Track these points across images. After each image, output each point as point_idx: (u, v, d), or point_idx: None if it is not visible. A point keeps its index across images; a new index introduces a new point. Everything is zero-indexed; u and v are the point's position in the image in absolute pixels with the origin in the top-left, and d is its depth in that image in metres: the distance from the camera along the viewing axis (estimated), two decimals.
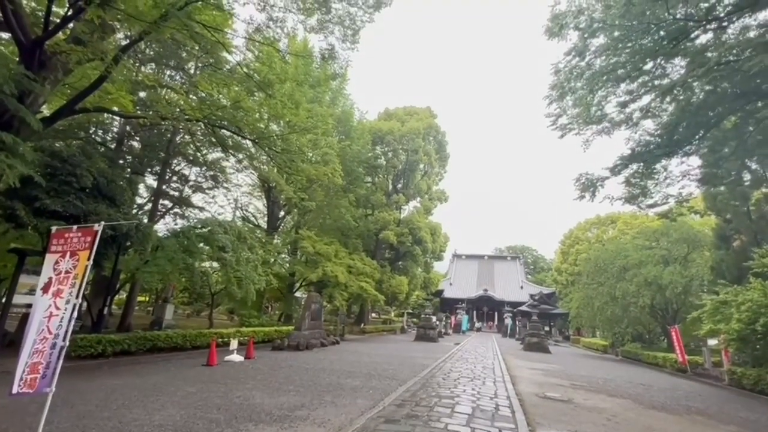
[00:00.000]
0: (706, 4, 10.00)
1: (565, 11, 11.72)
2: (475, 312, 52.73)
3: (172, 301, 17.93)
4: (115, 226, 9.39)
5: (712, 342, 15.36)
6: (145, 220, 15.52)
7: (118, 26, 10.43)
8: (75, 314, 4.04)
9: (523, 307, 45.63)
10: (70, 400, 5.63)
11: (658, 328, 24.53)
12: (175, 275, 13.22)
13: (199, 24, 8.98)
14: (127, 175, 14.83)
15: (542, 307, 45.20)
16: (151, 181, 18.12)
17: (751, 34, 10.47)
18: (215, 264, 15.93)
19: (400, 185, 35.34)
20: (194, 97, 13.25)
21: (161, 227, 18.46)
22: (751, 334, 11.84)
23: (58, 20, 8.83)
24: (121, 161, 15.87)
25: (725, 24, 10.52)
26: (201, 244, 14.13)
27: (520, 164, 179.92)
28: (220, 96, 13.14)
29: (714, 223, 21.96)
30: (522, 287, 54.68)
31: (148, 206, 18.11)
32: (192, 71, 15.51)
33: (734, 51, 9.90)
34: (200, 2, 8.90)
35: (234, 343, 11.38)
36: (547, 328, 40.03)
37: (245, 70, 11.36)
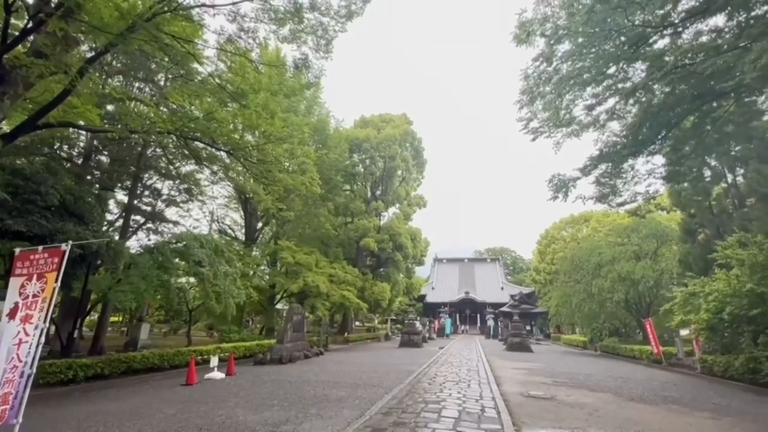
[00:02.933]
0: (662, 11, 10.56)
1: (531, 19, 12.13)
2: (458, 315, 53.13)
3: (147, 319, 17.33)
4: (84, 245, 9.03)
5: (684, 332, 15.97)
6: (117, 237, 14.99)
7: (83, 38, 10.13)
8: (42, 339, 3.86)
9: (505, 308, 46.30)
10: (38, 431, 5.34)
11: (634, 321, 25.35)
12: (150, 293, 12.78)
13: (169, 35, 8.82)
14: (96, 191, 14.32)
15: (523, 306, 45.99)
16: (121, 196, 17.55)
17: (704, 38, 11.10)
18: (192, 279, 15.51)
19: (378, 192, 35.43)
20: (165, 109, 12.94)
21: (134, 244, 17.87)
22: (718, 323, 12.39)
23: (17, 33, 8.50)
24: (89, 177, 15.31)
25: (680, 29, 11.12)
26: (176, 260, 13.73)
27: (496, 167, 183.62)
28: (192, 107, 12.89)
29: (680, 218, 22.97)
30: (503, 288, 55.52)
31: (120, 222, 17.50)
32: (162, 83, 15.16)
33: (689, 55, 10.46)
34: (168, 14, 8.73)
35: (214, 360, 11.07)
36: (528, 328, 40.72)
37: (218, 80, 11.20)
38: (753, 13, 9.99)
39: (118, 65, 14.37)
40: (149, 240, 18.36)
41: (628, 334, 27.22)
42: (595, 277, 23.51)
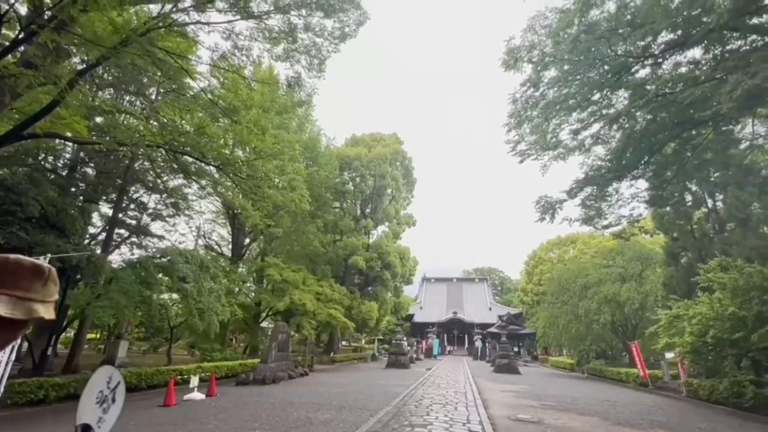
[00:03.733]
0: (643, 43, 11.03)
1: (519, 45, 12.55)
2: (445, 335, 52.63)
3: (126, 337, 16.75)
4: (64, 258, 8.78)
5: (669, 355, 16.06)
6: (99, 251, 14.63)
7: (75, 50, 10.11)
8: (13, 357, 3.69)
9: (492, 329, 46.08)
10: None
11: (620, 344, 25.42)
12: (131, 309, 12.39)
13: (162, 50, 8.87)
14: (80, 204, 14.03)
15: (510, 327, 45.85)
16: (106, 209, 17.21)
17: (683, 69, 11.60)
18: (175, 295, 15.13)
19: (368, 210, 35.46)
20: (155, 123, 12.87)
21: (116, 258, 17.45)
22: (702, 346, 12.50)
23: (7, 43, 8.45)
24: (73, 189, 15.02)
25: (660, 60, 11.61)
26: (160, 275, 13.42)
27: (485, 188, 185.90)
28: (183, 122, 12.85)
29: (663, 241, 23.43)
30: (490, 309, 55.39)
31: (103, 236, 17.11)
32: (153, 96, 15.14)
33: (669, 84, 10.91)
34: (163, 29, 8.80)
35: (194, 380, 10.71)
36: (516, 349, 40.50)
37: (210, 96, 11.23)
38: (728, 47, 10.51)
39: (110, 78, 14.33)
40: (132, 254, 17.97)
41: (614, 357, 27.25)
42: (582, 298, 23.66)
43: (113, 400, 5.04)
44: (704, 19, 9.56)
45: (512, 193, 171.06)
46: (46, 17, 8.14)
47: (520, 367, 26.34)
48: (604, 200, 14.75)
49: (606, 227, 16.03)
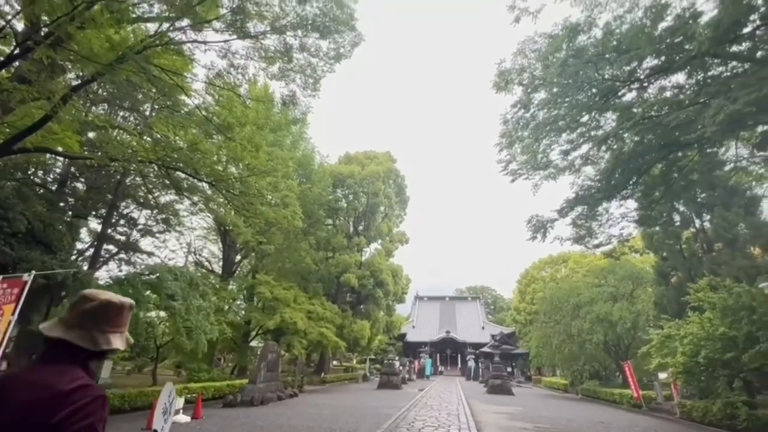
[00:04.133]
0: (628, 68, 11.39)
1: (510, 68, 12.87)
2: (438, 355, 51.94)
3: (109, 356, 16.28)
4: (49, 275, 8.59)
5: (662, 375, 15.99)
6: (86, 267, 14.34)
7: (70, 66, 10.15)
8: None
9: (485, 348, 45.61)
10: None
11: (613, 364, 25.29)
12: None
13: (158, 68, 8.94)
14: (69, 219, 13.83)
15: (503, 347, 45.43)
16: (95, 224, 16.96)
17: (668, 93, 11.97)
18: (162, 313, 14.81)
19: (361, 227, 35.42)
20: (148, 139, 12.85)
21: (103, 274, 17.10)
22: (695, 367, 12.48)
23: (2, 58, 8.47)
24: (62, 204, 14.82)
25: (645, 84, 11.98)
26: (148, 292, 13.16)
27: (478, 206, 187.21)
28: (177, 138, 12.85)
29: (653, 260, 23.65)
30: (483, 328, 54.96)
31: (90, 252, 16.81)
32: (148, 112, 15.17)
33: (655, 107, 11.22)
34: (160, 47, 8.90)
35: (180, 402, 10.37)
36: (509, 369, 40.05)
37: (204, 113, 11.27)
38: (710, 73, 10.90)
39: (104, 93, 14.37)
40: (120, 271, 17.65)
41: (608, 377, 27.07)
42: (574, 318, 23.62)
43: (171, 412, 7.06)
44: (686, 46, 9.93)
45: (505, 211, 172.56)
46: (42, 33, 8.20)
47: (513, 388, 26.00)
48: (595, 220, 14.91)
49: (597, 246, 16.15)
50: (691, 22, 9.65)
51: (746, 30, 9.43)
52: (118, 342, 1.40)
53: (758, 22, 9.40)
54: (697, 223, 19.99)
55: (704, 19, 9.62)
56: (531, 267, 57.27)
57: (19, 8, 8.49)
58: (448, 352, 52.50)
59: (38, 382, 1.23)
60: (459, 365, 50.65)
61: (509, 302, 70.49)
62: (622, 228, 15.54)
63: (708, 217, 19.13)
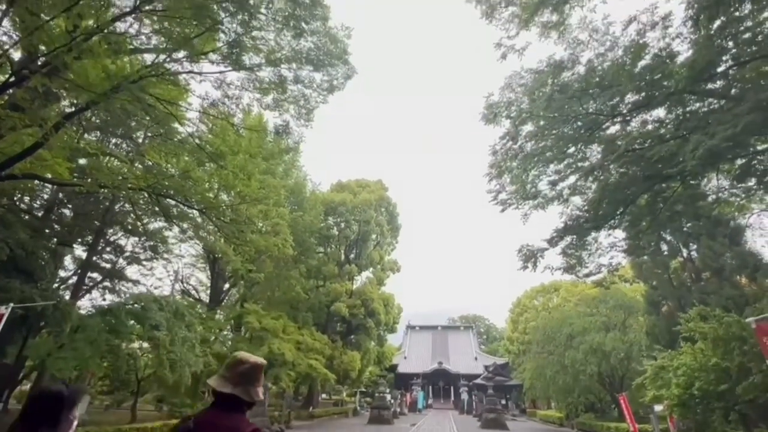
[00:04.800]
0: (611, 102, 11.84)
1: (497, 102, 13.30)
2: (431, 387, 50.58)
3: (87, 390, 15.52)
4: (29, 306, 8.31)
5: (658, 408, 15.66)
6: (68, 296, 13.91)
7: (65, 94, 10.23)
8: None
9: (479, 380, 44.60)
10: None
11: (608, 396, 24.84)
12: (96, 360, 11.56)
13: (153, 97, 9.06)
14: (53, 246, 13.55)
15: (497, 379, 44.46)
16: (80, 252, 16.61)
17: (649, 127, 12.40)
18: (146, 345, 14.30)
19: (352, 255, 35.21)
20: (140, 166, 12.85)
21: (86, 303, 16.62)
22: (689, 399, 12.29)
23: None
24: (47, 230, 14.55)
25: (628, 118, 12.42)
26: (132, 322, 12.75)
27: (469, 235, 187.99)
28: (169, 165, 12.86)
29: (643, 289, 23.73)
30: (476, 358, 53.95)
31: (74, 279, 16.37)
32: (140, 140, 15.22)
33: (638, 140, 11.60)
34: (155, 77, 9.05)
35: None
36: (503, 402, 39.06)
37: (197, 141, 11.36)
38: (688, 108, 11.37)
39: (97, 121, 14.40)
40: (104, 300, 17.17)
41: (603, 410, 26.48)
42: (568, 348, 23.34)
43: None
44: (665, 83, 10.40)
45: (496, 240, 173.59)
46: (39, 62, 8.30)
47: (508, 422, 25.28)
48: (584, 249, 15.02)
49: (587, 276, 16.18)
50: (668, 61, 10.17)
51: (720, 69, 9.95)
52: (260, 394, 1.88)
53: (731, 62, 9.94)
54: (685, 252, 20.26)
55: (680, 59, 10.14)
56: (523, 296, 56.99)
57: (17, 38, 8.63)
58: (441, 384, 51.18)
59: (226, 425, 1.71)
60: (452, 398, 49.28)
61: (502, 331, 69.61)
62: (611, 257, 15.65)
63: (695, 246, 19.42)
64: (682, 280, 19.94)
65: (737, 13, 9.18)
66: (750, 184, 12.62)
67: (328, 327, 31.13)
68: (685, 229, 17.63)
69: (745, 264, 16.85)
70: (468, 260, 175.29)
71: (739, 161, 11.15)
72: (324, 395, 40.57)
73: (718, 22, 9.22)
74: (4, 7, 7.88)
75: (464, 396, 42.35)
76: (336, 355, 27.88)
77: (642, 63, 10.52)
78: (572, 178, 13.88)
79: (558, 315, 28.64)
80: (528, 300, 55.29)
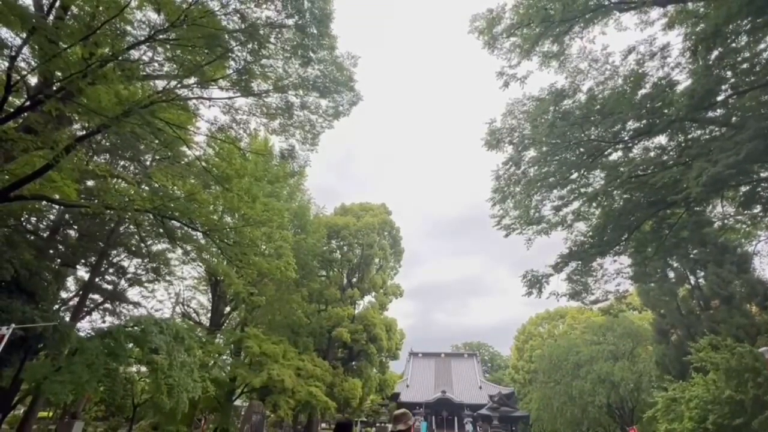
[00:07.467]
0: (613, 129, 11.97)
1: (500, 128, 13.48)
2: (434, 417, 48.93)
3: (81, 416, 15.17)
4: (28, 327, 8.25)
5: None
6: (69, 318, 13.81)
7: (77, 118, 10.49)
8: None
9: (483, 410, 43.22)
10: None
11: (618, 429, 23.93)
12: (93, 384, 11.32)
13: (162, 121, 9.26)
14: (56, 267, 13.56)
15: (503, 409, 43.08)
16: (82, 273, 16.58)
17: (651, 154, 12.48)
18: (144, 369, 14.05)
19: (354, 279, 34.90)
20: (146, 188, 13.00)
21: (86, 326, 16.47)
22: None
23: (12, 109, 8.75)
24: (51, 251, 14.60)
25: (630, 145, 12.51)
26: (130, 345, 12.56)
27: (472, 257, 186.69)
28: (175, 187, 12.99)
29: (651, 317, 23.26)
30: (481, 387, 52.40)
31: (76, 300, 16.29)
32: (148, 162, 15.47)
33: (641, 167, 11.64)
34: (166, 102, 9.29)
35: None
36: None
37: (204, 164, 11.51)
38: (690, 135, 11.47)
39: (107, 143, 14.73)
40: (104, 322, 17.04)
41: None
42: (575, 377, 22.71)
43: None
44: (665, 111, 10.54)
45: (500, 263, 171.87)
46: (54, 88, 8.56)
47: None
48: (590, 275, 14.82)
49: (594, 302, 15.90)
50: (668, 90, 10.34)
51: (720, 98, 10.09)
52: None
53: (730, 91, 10.09)
54: (692, 279, 19.96)
55: (680, 88, 10.31)
56: (528, 322, 56.03)
57: (34, 64, 8.94)
58: (444, 414, 49.52)
59: None
60: (456, 428, 47.57)
61: (507, 359, 68.04)
62: (617, 284, 15.40)
63: (702, 273, 19.15)
64: (691, 308, 19.56)
65: (734, 45, 9.40)
66: (755, 210, 12.56)
67: (329, 353, 30.52)
68: (691, 255, 17.43)
69: (754, 292, 16.55)
70: (471, 284, 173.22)
71: (743, 188, 11.13)
72: (323, 424, 39.29)
73: (715, 53, 9.43)
74: (24, 35, 8.21)
75: (468, 427, 40.93)
76: (337, 382, 27.19)
77: (642, 91, 10.70)
78: (576, 204, 13.87)
79: (564, 343, 28.02)
80: (533, 327, 54.30)
